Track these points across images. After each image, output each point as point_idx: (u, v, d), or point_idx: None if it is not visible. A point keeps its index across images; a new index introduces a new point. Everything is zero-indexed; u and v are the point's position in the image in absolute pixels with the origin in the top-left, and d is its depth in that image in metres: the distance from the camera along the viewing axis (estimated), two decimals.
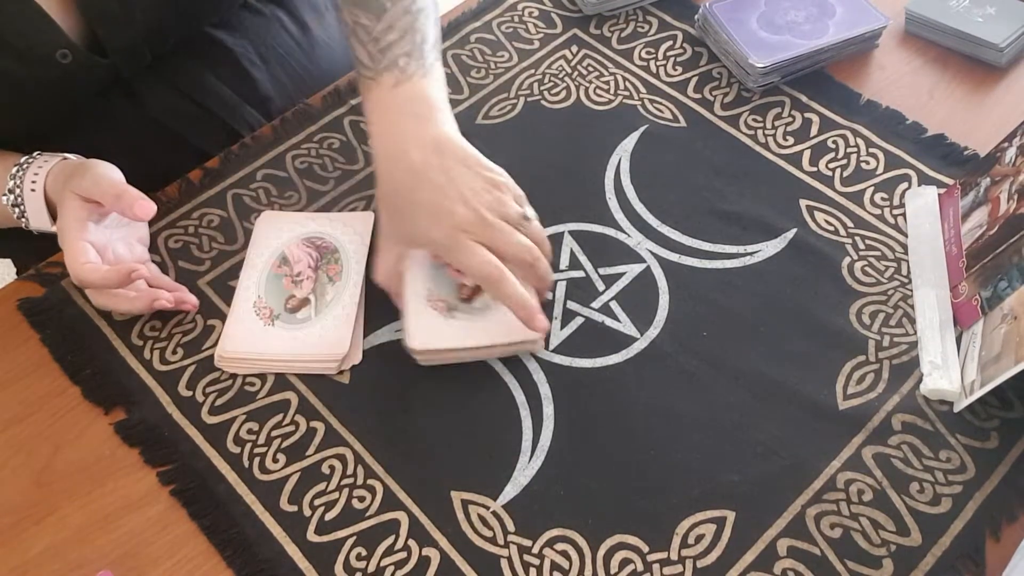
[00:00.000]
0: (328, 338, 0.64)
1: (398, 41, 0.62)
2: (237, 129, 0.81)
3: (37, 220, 0.66)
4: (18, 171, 0.66)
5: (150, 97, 0.75)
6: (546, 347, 0.65)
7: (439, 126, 0.61)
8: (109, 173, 0.63)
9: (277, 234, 0.70)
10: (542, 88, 0.80)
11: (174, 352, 0.65)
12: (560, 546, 0.57)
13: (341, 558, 0.56)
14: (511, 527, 0.57)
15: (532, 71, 0.81)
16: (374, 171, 0.63)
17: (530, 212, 0.62)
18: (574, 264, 0.69)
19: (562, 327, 0.66)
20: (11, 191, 0.66)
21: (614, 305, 0.67)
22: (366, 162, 0.75)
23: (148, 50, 0.73)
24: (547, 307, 0.67)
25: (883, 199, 0.72)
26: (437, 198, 0.59)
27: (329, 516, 0.58)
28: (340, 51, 0.89)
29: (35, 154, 0.67)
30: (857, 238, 0.70)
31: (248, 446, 0.61)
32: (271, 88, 0.84)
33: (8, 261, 0.88)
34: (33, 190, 0.65)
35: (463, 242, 0.58)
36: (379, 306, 0.67)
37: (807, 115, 0.77)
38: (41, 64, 0.66)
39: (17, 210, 0.66)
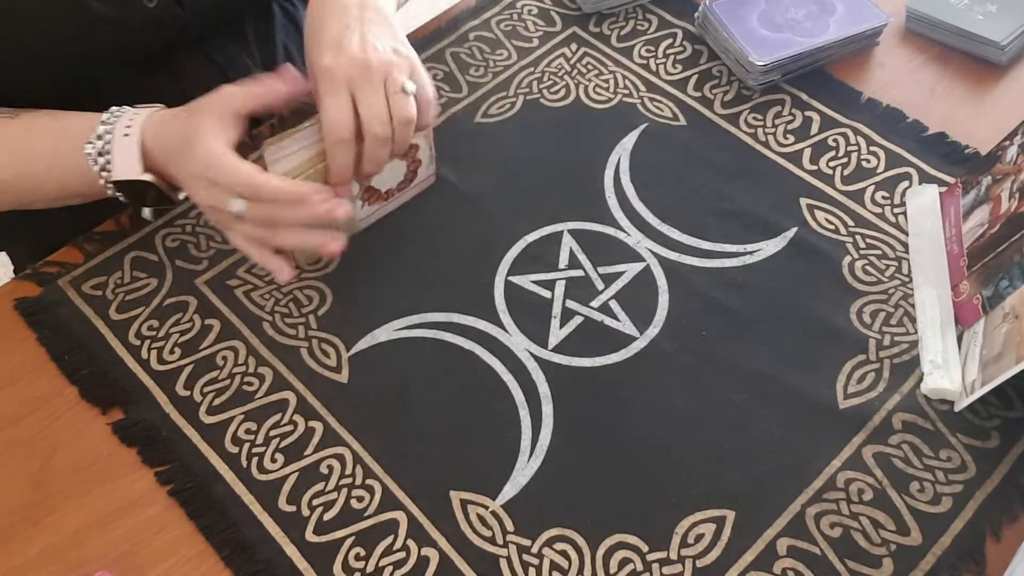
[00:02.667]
0: None
1: None
2: None
3: (124, 167, 0.62)
4: (110, 118, 0.63)
5: (189, 72, 0.76)
6: (544, 349, 0.64)
7: None
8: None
9: None
10: (541, 86, 0.80)
11: (172, 351, 0.65)
12: (559, 546, 0.56)
13: (340, 558, 0.56)
14: (510, 527, 0.57)
15: (531, 69, 0.81)
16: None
17: (409, 86, 0.61)
18: (573, 263, 0.69)
19: (561, 326, 0.66)
20: (99, 137, 0.62)
21: (613, 304, 0.67)
22: None
23: (221, 11, 0.75)
24: (546, 305, 0.67)
25: (884, 198, 0.72)
26: (340, 32, 0.61)
27: (328, 516, 0.58)
28: None
29: (124, 107, 0.64)
30: (858, 237, 0.69)
31: (246, 446, 0.61)
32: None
33: (6, 260, 0.88)
34: (127, 135, 0.62)
35: (339, 87, 0.59)
36: (379, 305, 0.67)
37: (807, 113, 0.77)
38: (128, 8, 0.66)
39: (101, 159, 0.62)
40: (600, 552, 0.56)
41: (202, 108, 0.61)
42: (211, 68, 0.78)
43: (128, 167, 0.62)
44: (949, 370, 0.61)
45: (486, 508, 0.58)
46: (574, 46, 0.83)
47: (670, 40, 0.83)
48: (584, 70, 0.81)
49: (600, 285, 0.68)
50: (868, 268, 0.68)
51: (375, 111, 0.59)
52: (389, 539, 0.57)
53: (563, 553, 0.56)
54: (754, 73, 0.77)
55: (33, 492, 0.60)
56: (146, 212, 0.68)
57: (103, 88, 0.68)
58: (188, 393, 0.63)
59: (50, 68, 0.67)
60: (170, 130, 0.62)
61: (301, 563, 0.56)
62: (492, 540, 0.57)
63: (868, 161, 0.74)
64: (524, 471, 0.59)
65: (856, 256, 0.68)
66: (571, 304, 0.67)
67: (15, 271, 0.86)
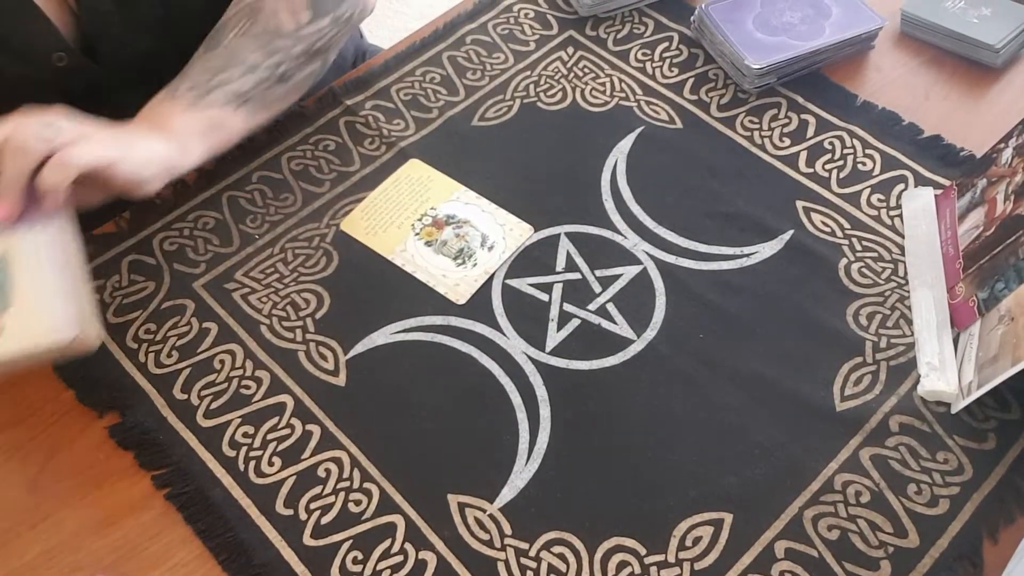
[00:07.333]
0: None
1: (200, 71, 0.67)
2: None
3: None
4: None
5: (134, 107, 0.75)
6: (542, 352, 0.64)
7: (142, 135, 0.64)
8: None
9: None
10: (538, 90, 0.80)
11: (169, 355, 0.65)
12: (557, 549, 0.56)
13: (337, 562, 0.56)
14: (508, 530, 0.57)
15: (528, 72, 0.81)
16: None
17: (52, 132, 0.58)
18: (570, 266, 0.69)
19: (558, 329, 0.66)
20: None
21: (611, 307, 0.67)
22: (362, 163, 0.75)
23: (138, 67, 0.73)
24: (543, 308, 0.67)
25: (880, 200, 0.72)
26: None
27: (325, 520, 0.58)
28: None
29: None
30: (854, 239, 0.70)
31: (244, 449, 0.61)
32: None
33: None
34: None
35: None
36: (376, 308, 0.67)
37: (803, 116, 0.77)
38: (36, 64, 0.66)
39: None
40: (598, 555, 0.56)
41: None
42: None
43: None
44: (945, 372, 0.61)
45: (484, 511, 0.58)
46: (571, 50, 0.83)
47: (666, 43, 0.83)
48: (580, 73, 0.81)
49: (597, 288, 0.68)
50: (864, 270, 0.68)
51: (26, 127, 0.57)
52: (387, 542, 0.57)
53: (561, 556, 0.56)
54: (750, 76, 0.77)
55: (29, 496, 0.59)
56: None
57: None
58: (185, 396, 0.63)
59: None
60: None
61: (299, 567, 0.56)
62: (490, 543, 0.57)
63: (864, 164, 0.74)
64: (522, 474, 0.59)
65: (852, 259, 0.69)
66: (568, 307, 0.67)
67: None
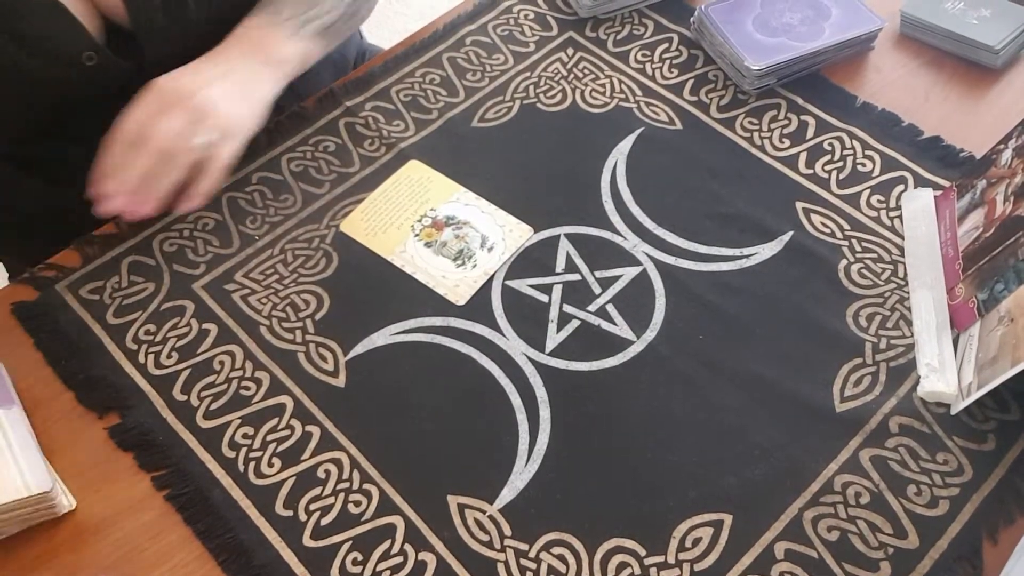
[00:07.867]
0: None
1: (294, 1, 0.69)
2: None
3: None
4: None
5: None
6: (541, 353, 0.65)
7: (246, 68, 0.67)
8: None
9: None
10: (538, 91, 0.80)
11: (169, 356, 0.65)
12: (557, 550, 0.56)
13: (337, 563, 0.56)
14: (508, 531, 0.57)
15: (528, 74, 0.81)
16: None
17: (202, 141, 0.64)
18: (570, 267, 0.69)
19: (558, 330, 0.66)
20: None
21: (610, 308, 0.67)
22: (361, 164, 0.75)
23: (175, 64, 0.74)
24: (543, 310, 0.67)
25: (879, 201, 0.72)
26: (202, 66, 0.67)
27: (325, 521, 0.58)
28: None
29: None
30: (854, 240, 0.70)
31: (243, 450, 0.61)
32: None
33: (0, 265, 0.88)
34: None
35: (153, 93, 0.64)
36: (376, 309, 0.67)
37: (803, 117, 0.77)
38: (65, 65, 0.67)
39: None
40: (598, 556, 0.56)
41: None
42: None
43: None
44: (945, 373, 0.61)
45: (483, 512, 0.58)
46: (570, 51, 0.83)
47: (666, 44, 0.83)
48: (580, 75, 0.81)
49: (597, 289, 0.68)
50: (864, 272, 0.68)
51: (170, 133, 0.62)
52: (386, 544, 0.57)
53: (561, 557, 0.56)
54: (750, 77, 0.77)
55: None
56: None
57: (70, 115, 0.70)
58: (185, 397, 0.63)
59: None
60: None
61: (298, 568, 0.56)
62: (489, 544, 0.57)
63: (863, 165, 0.74)
64: (521, 475, 0.59)
65: (852, 260, 0.69)
66: (568, 308, 0.67)
67: (10, 279, 0.86)
